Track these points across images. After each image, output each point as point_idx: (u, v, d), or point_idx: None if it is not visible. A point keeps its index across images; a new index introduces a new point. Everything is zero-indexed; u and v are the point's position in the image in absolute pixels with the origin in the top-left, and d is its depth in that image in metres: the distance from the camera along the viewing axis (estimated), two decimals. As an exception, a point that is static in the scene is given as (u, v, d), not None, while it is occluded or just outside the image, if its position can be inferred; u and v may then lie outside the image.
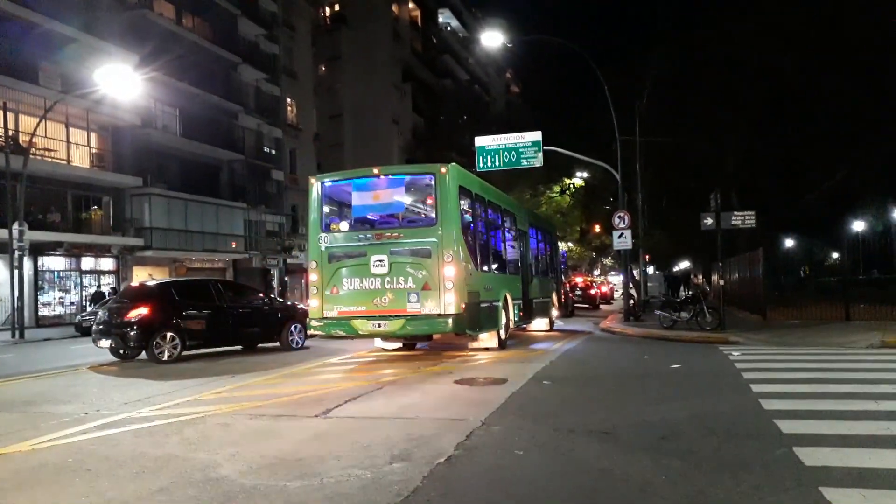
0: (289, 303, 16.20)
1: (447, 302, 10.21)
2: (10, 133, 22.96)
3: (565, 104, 77.57)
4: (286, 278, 37.37)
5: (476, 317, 10.84)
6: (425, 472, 4.34)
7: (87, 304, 24.04)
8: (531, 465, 4.57)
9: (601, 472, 4.36)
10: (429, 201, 11.08)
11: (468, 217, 11.53)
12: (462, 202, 11.02)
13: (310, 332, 11.31)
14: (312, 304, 10.93)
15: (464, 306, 10.32)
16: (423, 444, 5.07)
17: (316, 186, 11.31)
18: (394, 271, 10.43)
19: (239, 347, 13.11)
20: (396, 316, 10.36)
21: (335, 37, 48.00)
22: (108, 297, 23.16)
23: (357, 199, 11.33)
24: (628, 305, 19.93)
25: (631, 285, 21.78)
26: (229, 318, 12.51)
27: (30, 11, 23.10)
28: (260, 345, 13.39)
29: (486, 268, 12.12)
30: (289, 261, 37.81)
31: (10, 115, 23.33)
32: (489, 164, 18.37)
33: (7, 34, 22.78)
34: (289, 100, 39.94)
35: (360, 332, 10.70)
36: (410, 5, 53.61)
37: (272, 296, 16.49)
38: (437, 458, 4.64)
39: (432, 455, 4.72)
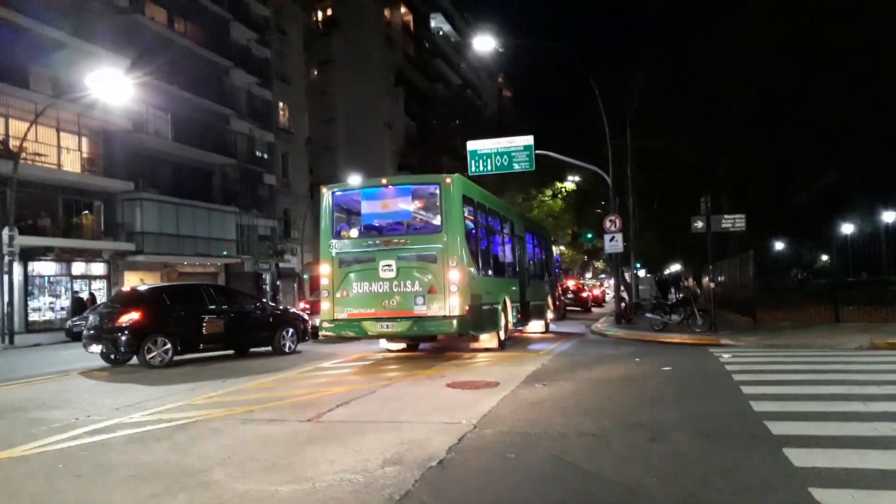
0: (281, 307, 16.15)
1: (452, 304, 10.73)
2: (0, 138, 22.83)
3: (557, 107, 77.92)
4: (278, 282, 37.27)
5: (478, 318, 11.42)
6: (417, 475, 4.35)
7: (69, 310, 23.90)
8: (522, 468, 4.59)
9: (592, 474, 4.38)
10: (434, 210, 11.62)
11: (471, 224, 12.06)
12: (465, 210, 11.61)
13: (321, 333, 11.66)
14: (324, 306, 11.41)
15: (467, 308, 10.84)
16: (415, 447, 5.08)
17: (327, 195, 11.92)
18: (401, 275, 10.96)
19: (231, 352, 13.06)
20: (404, 318, 10.89)
21: (327, 41, 48.04)
22: (89, 304, 23.23)
23: (366, 207, 11.96)
24: (620, 308, 20.00)
25: (622, 288, 21.86)
26: (221, 322, 12.47)
27: (20, 16, 23.00)
28: (252, 349, 13.35)
29: (487, 272, 12.63)
30: (281, 265, 37.71)
31: (0, 120, 23.20)
32: (481, 168, 18.44)
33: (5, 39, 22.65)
34: (281, 104, 39.91)
35: (369, 333, 11.24)
36: (402, 10, 53.69)
37: (264, 300, 16.45)
38: (429, 462, 4.64)
39: (424, 459, 4.73)
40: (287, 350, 13.30)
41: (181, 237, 29.56)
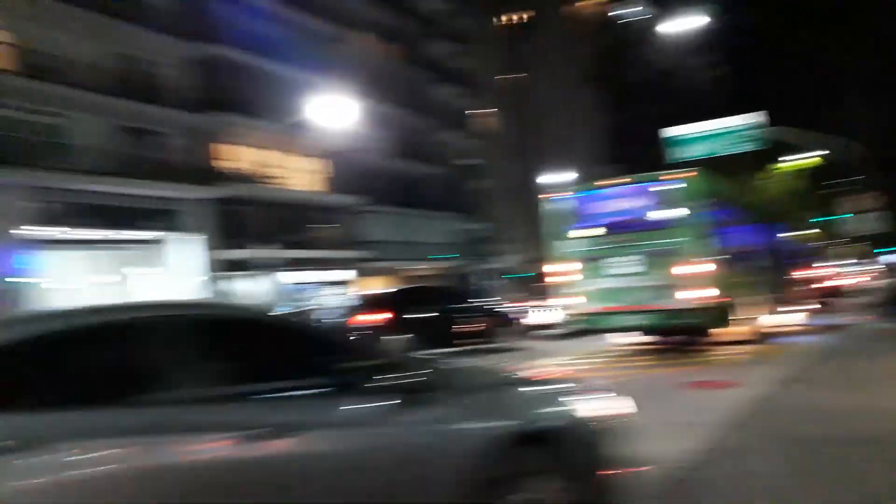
0: (494, 305, 16.73)
1: (697, 297, 10.76)
2: (251, 166, 26.18)
3: (787, 80, 69.22)
4: (490, 282, 38.38)
5: (723, 312, 11.16)
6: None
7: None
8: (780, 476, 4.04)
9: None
10: (675, 204, 11.63)
11: (711, 217, 11.79)
12: (706, 204, 11.55)
13: (569, 327, 12.39)
14: (568, 302, 12.04)
15: (712, 301, 10.77)
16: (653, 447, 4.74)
17: (566, 197, 12.45)
18: (644, 270, 11.18)
19: (448, 349, 13.60)
20: (649, 311, 11.13)
21: (522, 46, 48.50)
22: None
23: (606, 205, 12.22)
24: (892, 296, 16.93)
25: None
26: (449, 320, 13.33)
27: (260, 58, 26.18)
28: (467, 346, 13.78)
29: (730, 265, 12.06)
30: (493, 265, 38.81)
31: (251, 149, 26.53)
32: (694, 153, 17.56)
33: (244, 79, 25.97)
34: (481, 111, 41.17)
35: (613, 326, 11.87)
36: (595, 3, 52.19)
37: (479, 299, 17.19)
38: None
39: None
40: (499, 345, 13.69)
41: (403, 243, 32.07)
